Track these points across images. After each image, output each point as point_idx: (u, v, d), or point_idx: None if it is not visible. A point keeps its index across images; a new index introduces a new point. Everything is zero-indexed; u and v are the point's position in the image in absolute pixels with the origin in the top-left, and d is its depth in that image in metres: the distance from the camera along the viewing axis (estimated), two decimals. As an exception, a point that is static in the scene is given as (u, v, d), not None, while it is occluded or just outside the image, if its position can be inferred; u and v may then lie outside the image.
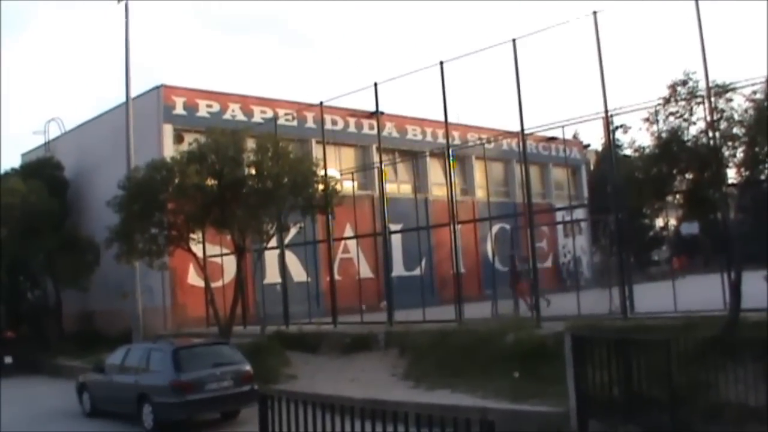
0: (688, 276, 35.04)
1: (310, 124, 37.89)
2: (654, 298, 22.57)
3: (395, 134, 42.77)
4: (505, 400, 16.77)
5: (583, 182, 55.21)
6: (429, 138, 44.53)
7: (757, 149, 15.95)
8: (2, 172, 40.55)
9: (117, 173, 27.63)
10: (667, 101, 16.72)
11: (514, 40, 23.54)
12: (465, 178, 47.12)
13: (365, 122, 40.63)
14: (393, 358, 23.39)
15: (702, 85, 16.90)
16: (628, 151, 20.01)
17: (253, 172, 24.92)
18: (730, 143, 16.24)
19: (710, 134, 16.52)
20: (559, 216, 42.52)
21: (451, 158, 28.71)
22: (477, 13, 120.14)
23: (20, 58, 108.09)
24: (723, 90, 16.34)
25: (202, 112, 36.72)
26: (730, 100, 16.26)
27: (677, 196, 18.53)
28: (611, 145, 24.91)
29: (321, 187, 26.35)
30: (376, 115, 30.40)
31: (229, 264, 30.13)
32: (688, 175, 17.20)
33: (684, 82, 16.54)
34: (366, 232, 34.58)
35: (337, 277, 31.97)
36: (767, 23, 16.63)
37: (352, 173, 37.20)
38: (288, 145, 26.89)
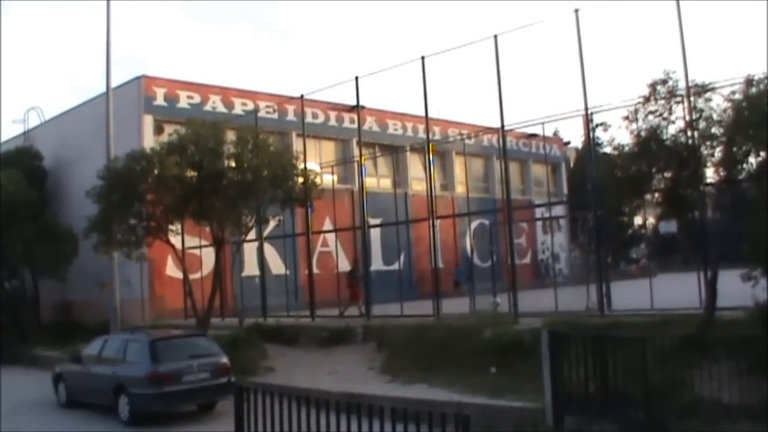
0: (665, 274, 35.19)
1: (290, 117, 37.84)
2: (631, 295, 22.66)
3: (376, 128, 42.81)
4: (481, 395, 16.80)
5: (562, 179, 55.41)
6: (410, 133, 44.58)
7: (734, 149, 16.04)
8: (-20, 161, 40.26)
9: (96, 163, 27.46)
10: (646, 100, 16.80)
11: (495, 37, 23.58)
12: (445, 174, 47.15)
13: (346, 116, 40.72)
14: (370, 352, 23.42)
15: (681, 84, 17.02)
16: (607, 149, 20.10)
17: (233, 164, 24.89)
18: (708, 143, 16.34)
19: (689, 133, 16.63)
20: (538, 213, 42.72)
21: (431, 160, 28.82)
22: (459, 9, 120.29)
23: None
24: (702, 90, 16.44)
25: (183, 103, 36.63)
26: (709, 99, 16.36)
27: (656, 194, 18.62)
28: (591, 142, 25.00)
29: (300, 180, 26.36)
30: (356, 109, 30.42)
31: (208, 256, 30.08)
32: (667, 174, 17.30)
33: (664, 81, 16.62)
34: (345, 226, 34.56)
35: (315, 270, 31.96)
36: (747, 26, 16.77)
37: (332, 167, 37.14)
38: (268, 138, 26.90)
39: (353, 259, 32.35)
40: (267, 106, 36.40)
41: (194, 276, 29.97)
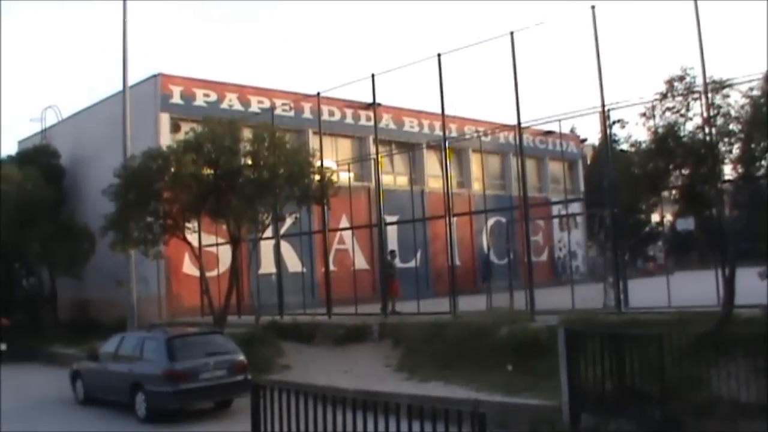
0: (683, 272, 35.09)
1: (307, 114, 37.90)
2: (648, 293, 22.58)
3: (392, 126, 42.79)
4: (498, 393, 16.78)
5: (579, 176, 55.21)
6: (426, 130, 44.56)
7: (752, 146, 15.96)
8: (-1, 159, 40.48)
9: (113, 161, 27.58)
10: (664, 96, 16.71)
11: (512, 33, 23.51)
12: (461, 171, 47.18)
13: (362, 113, 40.67)
14: (387, 349, 23.40)
15: (699, 80, 16.89)
16: (624, 146, 20.00)
17: (250, 162, 24.96)
18: (726, 139, 16.24)
19: (706, 130, 16.51)
20: (555, 210, 42.60)
21: (447, 152, 28.72)
22: (476, 6, 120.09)
23: (18, 44, 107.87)
24: (720, 86, 16.31)
25: (199, 101, 36.68)
26: (727, 96, 16.24)
27: (673, 191, 18.53)
28: (608, 139, 24.91)
29: (317, 177, 26.39)
30: (373, 106, 30.38)
31: (224, 254, 30.09)
32: (684, 171, 17.20)
33: (681, 78, 16.53)
34: (361, 224, 34.56)
35: (332, 268, 31.94)
36: (766, 21, 16.65)
37: (349, 164, 37.17)
38: (284, 136, 26.87)
39: (388, 252, 31.91)
40: (283, 104, 36.45)
41: (211, 274, 30.03)
